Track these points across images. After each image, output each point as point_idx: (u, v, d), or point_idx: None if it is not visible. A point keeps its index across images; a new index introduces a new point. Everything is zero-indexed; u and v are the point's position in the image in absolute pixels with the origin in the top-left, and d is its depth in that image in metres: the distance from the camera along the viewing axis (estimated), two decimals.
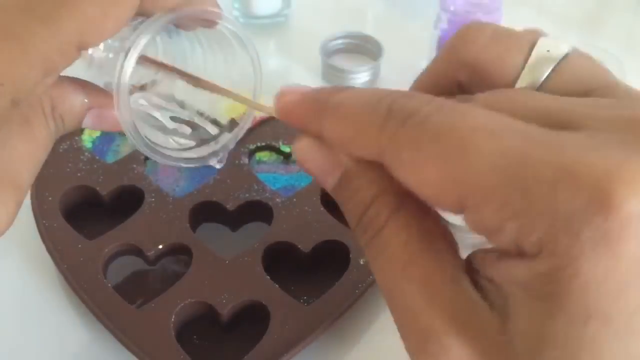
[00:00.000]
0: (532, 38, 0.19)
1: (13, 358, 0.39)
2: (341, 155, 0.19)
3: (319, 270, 0.42)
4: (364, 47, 0.62)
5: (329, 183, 0.19)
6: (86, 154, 0.48)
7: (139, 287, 0.42)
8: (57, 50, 0.19)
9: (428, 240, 0.18)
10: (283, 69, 0.63)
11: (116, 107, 0.23)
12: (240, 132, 0.27)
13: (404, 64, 0.59)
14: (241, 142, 0.41)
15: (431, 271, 0.17)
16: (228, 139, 0.27)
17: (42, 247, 0.41)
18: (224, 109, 0.27)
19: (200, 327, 0.39)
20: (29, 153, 0.23)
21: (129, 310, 0.38)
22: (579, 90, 0.18)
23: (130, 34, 0.22)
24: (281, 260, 0.42)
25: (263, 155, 0.50)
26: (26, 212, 0.43)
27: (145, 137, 0.24)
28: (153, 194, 0.45)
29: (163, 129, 0.26)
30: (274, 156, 0.50)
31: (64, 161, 0.46)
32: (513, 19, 0.63)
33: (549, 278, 0.14)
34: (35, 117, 0.23)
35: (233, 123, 0.27)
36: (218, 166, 0.26)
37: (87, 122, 0.25)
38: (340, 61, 0.61)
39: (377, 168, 0.18)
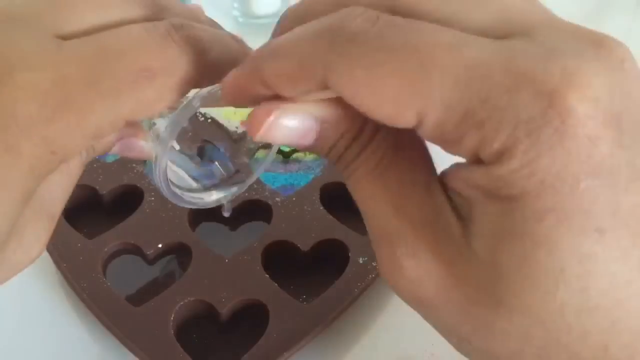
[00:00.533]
0: None
1: (12, 357, 0.39)
2: (307, 116, 0.19)
3: (318, 269, 0.42)
4: None
5: (307, 143, 0.19)
6: None
7: (139, 286, 0.42)
8: (109, 123, 0.20)
9: (402, 152, 0.18)
10: None
11: (155, 155, 0.23)
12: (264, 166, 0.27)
13: None
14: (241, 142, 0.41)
15: (404, 178, 0.18)
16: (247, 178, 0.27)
17: None
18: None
19: (199, 326, 0.39)
20: (62, 184, 0.24)
21: (128, 309, 0.38)
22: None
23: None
24: (280, 259, 0.42)
25: (262, 155, 0.50)
26: None
27: (171, 181, 0.25)
28: (153, 194, 0.45)
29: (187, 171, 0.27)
30: (271, 155, 0.50)
31: None
32: None
33: (508, 180, 0.15)
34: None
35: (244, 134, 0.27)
36: (226, 214, 0.27)
37: (115, 149, 0.26)
38: None
39: (342, 108, 0.18)
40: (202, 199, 0.26)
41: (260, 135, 0.18)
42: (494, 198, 0.16)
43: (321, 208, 0.44)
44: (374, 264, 0.41)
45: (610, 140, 0.15)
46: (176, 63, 0.20)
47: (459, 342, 0.18)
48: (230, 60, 0.22)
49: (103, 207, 0.46)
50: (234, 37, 0.23)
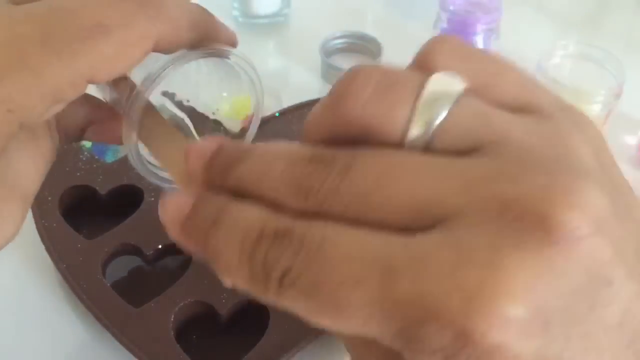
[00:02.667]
0: (420, 81, 0.17)
1: (12, 357, 0.39)
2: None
3: None
4: (364, 47, 0.62)
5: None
6: (85, 153, 0.48)
7: (138, 287, 0.42)
8: (69, 82, 0.20)
9: None
10: (283, 69, 0.63)
11: (124, 130, 0.23)
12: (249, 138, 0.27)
13: (403, 63, 0.58)
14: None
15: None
16: None
17: (41, 246, 0.41)
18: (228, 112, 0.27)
19: (199, 327, 0.39)
20: (34, 165, 0.24)
21: (128, 310, 0.38)
22: (466, 146, 0.16)
23: (142, 68, 0.23)
24: None
25: None
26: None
27: (146, 159, 0.24)
28: (152, 194, 0.45)
29: None
30: None
31: (63, 161, 0.46)
32: (513, 18, 0.63)
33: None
34: (39, 130, 0.24)
35: (243, 131, 0.27)
36: None
37: (88, 134, 0.26)
38: (340, 61, 0.61)
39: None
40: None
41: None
42: None
43: None
44: None
45: (533, 352, 0.14)
46: (131, 18, 0.20)
47: None
48: (189, 18, 0.22)
49: (103, 207, 0.46)
50: (197, 5, 0.23)
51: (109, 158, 0.48)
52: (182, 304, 0.38)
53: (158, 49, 0.22)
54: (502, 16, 0.59)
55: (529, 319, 0.14)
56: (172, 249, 0.43)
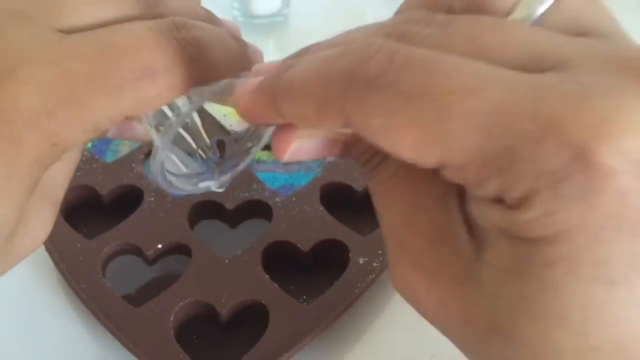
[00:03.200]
0: None
1: (12, 357, 0.39)
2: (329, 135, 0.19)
3: (318, 269, 0.42)
4: None
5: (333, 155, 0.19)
6: (85, 153, 0.48)
7: (138, 287, 0.42)
8: (109, 119, 0.20)
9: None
10: None
11: (155, 147, 0.23)
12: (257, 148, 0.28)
13: None
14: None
15: (420, 189, 0.18)
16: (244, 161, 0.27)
17: (42, 246, 0.41)
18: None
19: (199, 327, 0.39)
20: (62, 170, 0.24)
21: (128, 310, 0.38)
22: (575, 30, 0.17)
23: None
24: (280, 260, 0.42)
25: (262, 155, 0.50)
26: None
27: (167, 170, 0.25)
28: (152, 194, 0.45)
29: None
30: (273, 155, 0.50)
31: None
32: None
33: (525, 226, 0.15)
34: None
35: (247, 132, 0.28)
36: (220, 190, 0.27)
37: (111, 133, 0.26)
38: None
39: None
40: (195, 185, 0.27)
41: (288, 159, 0.19)
42: (510, 238, 0.16)
43: (321, 208, 0.44)
44: (374, 264, 0.41)
45: None
46: (178, 62, 0.21)
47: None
48: (229, 61, 0.22)
49: (103, 207, 0.46)
50: (233, 36, 0.23)
51: (109, 158, 0.48)
52: (182, 303, 0.38)
53: (196, 86, 0.22)
54: None
55: None
56: (172, 249, 0.43)
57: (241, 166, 0.28)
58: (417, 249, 0.17)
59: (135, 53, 0.20)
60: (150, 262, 0.42)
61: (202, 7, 0.25)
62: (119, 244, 0.42)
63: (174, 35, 0.21)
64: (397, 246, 0.18)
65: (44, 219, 0.24)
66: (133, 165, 0.47)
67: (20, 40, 0.20)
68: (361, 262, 0.41)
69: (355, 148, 0.19)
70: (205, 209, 0.45)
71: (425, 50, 0.16)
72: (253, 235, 0.43)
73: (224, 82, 0.22)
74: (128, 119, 0.21)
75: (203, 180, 0.27)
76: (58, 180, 0.24)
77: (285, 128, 0.18)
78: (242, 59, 0.23)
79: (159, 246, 0.42)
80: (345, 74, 0.16)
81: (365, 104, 0.16)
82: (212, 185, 0.27)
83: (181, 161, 0.27)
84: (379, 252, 0.41)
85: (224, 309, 0.38)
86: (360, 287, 0.39)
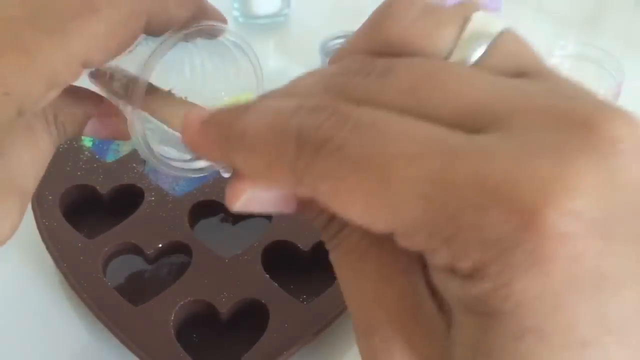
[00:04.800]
0: (465, 12, 0.17)
1: (12, 357, 0.39)
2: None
3: (318, 269, 0.42)
4: None
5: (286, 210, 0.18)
6: (86, 153, 0.48)
7: (139, 286, 0.42)
8: (63, 64, 0.20)
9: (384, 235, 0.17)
10: (283, 69, 0.63)
11: (129, 119, 0.23)
12: None
13: None
14: None
15: (384, 264, 0.17)
16: None
17: (42, 246, 0.41)
18: None
19: (199, 326, 0.39)
20: (32, 160, 0.23)
21: (128, 309, 0.38)
22: (513, 70, 0.17)
23: (136, 56, 0.22)
24: (281, 259, 0.42)
25: None
26: (26, 211, 0.43)
27: (153, 149, 0.24)
28: (153, 193, 0.45)
29: (170, 141, 0.27)
30: None
31: (64, 160, 0.47)
32: (512, 18, 0.63)
33: (482, 299, 0.14)
34: (38, 125, 0.23)
35: None
36: (226, 175, 0.27)
37: (87, 130, 0.25)
38: None
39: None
40: (186, 166, 0.26)
41: (238, 208, 0.18)
42: (471, 311, 0.15)
43: None
44: None
45: (596, 253, 0.14)
46: None
47: None
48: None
49: (103, 207, 0.46)
50: None
51: (110, 158, 0.48)
52: (182, 302, 0.38)
53: (149, 30, 0.21)
54: (502, 16, 0.59)
55: (598, 219, 0.13)
56: (172, 248, 0.43)
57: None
58: (385, 330, 0.17)
59: None
60: (151, 261, 0.42)
61: None
62: (120, 244, 0.42)
63: None
64: (364, 327, 0.17)
65: (9, 209, 0.22)
66: (134, 165, 0.47)
67: None
68: None
69: (309, 209, 0.18)
70: (205, 208, 0.45)
71: (373, 112, 0.15)
72: (253, 235, 0.43)
73: (184, 31, 0.22)
74: (86, 67, 0.20)
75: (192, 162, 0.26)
76: (26, 169, 0.23)
77: (239, 176, 0.18)
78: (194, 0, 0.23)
79: (160, 245, 0.42)
80: (298, 135, 0.16)
81: (315, 167, 0.15)
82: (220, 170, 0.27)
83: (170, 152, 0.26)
84: None
85: (224, 309, 0.38)
86: None
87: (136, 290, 0.41)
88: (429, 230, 0.14)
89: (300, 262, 0.42)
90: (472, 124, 0.15)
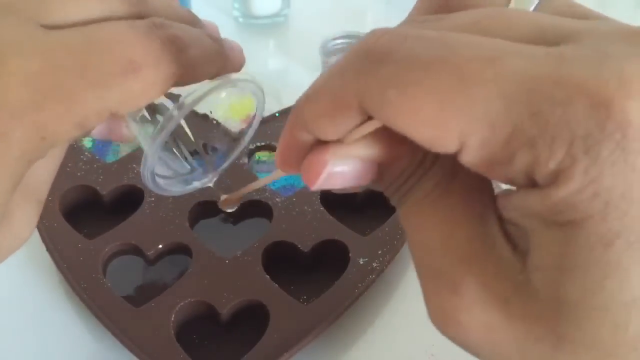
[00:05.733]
0: None
1: (12, 357, 0.39)
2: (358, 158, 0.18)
3: (319, 269, 0.42)
4: None
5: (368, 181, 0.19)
6: (86, 153, 0.48)
7: (139, 287, 0.42)
8: (96, 113, 0.20)
9: (458, 180, 0.17)
10: (283, 69, 0.63)
11: (145, 159, 0.24)
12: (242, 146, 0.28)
13: None
14: None
15: (455, 208, 0.17)
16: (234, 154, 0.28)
17: (42, 246, 0.41)
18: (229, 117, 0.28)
19: (200, 327, 0.39)
20: (46, 167, 0.24)
21: (128, 310, 0.38)
22: (571, 15, 0.17)
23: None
24: (281, 260, 0.42)
25: (262, 155, 0.50)
26: None
27: (157, 174, 0.25)
28: (152, 194, 0.45)
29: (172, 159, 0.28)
30: (273, 156, 0.50)
31: (64, 161, 0.46)
32: None
33: (568, 203, 0.14)
34: None
35: (242, 132, 0.28)
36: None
37: (95, 132, 0.26)
38: None
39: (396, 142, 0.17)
40: (184, 186, 0.27)
41: (318, 186, 0.18)
42: (553, 225, 0.14)
43: (321, 208, 0.44)
44: (374, 264, 0.41)
45: None
46: (159, 57, 0.21)
47: None
48: (207, 58, 0.23)
49: (103, 207, 0.46)
50: (210, 35, 0.24)
51: (110, 158, 0.49)
52: (182, 303, 0.38)
53: (176, 85, 0.22)
54: None
55: None
56: (172, 249, 0.43)
57: (228, 163, 0.28)
58: (455, 274, 0.16)
59: (120, 47, 0.20)
60: (151, 262, 0.42)
61: (183, 8, 0.25)
62: (120, 244, 0.42)
63: (155, 33, 0.21)
64: (432, 273, 0.17)
65: (27, 217, 0.24)
66: (134, 165, 0.47)
67: (7, 33, 0.20)
68: (361, 262, 0.41)
69: (389, 170, 0.18)
70: (205, 209, 0.45)
71: (435, 31, 0.16)
72: (253, 236, 0.43)
73: (208, 86, 0.23)
74: (113, 116, 0.21)
75: (192, 180, 0.27)
76: (42, 177, 0.24)
77: (315, 149, 0.18)
78: (219, 56, 0.23)
79: (160, 246, 0.42)
80: (356, 56, 0.16)
81: (379, 77, 0.15)
82: (204, 181, 0.28)
83: (167, 162, 0.27)
84: (379, 252, 0.41)
85: (224, 309, 0.38)
86: (360, 287, 0.40)
87: (136, 290, 0.41)
88: (510, 131, 0.14)
89: (300, 262, 0.42)
90: (543, 41, 0.15)
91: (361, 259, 0.41)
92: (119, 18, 0.21)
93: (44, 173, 0.24)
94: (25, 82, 0.19)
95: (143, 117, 0.25)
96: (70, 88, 0.19)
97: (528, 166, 0.14)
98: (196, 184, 0.28)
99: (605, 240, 0.14)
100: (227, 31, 0.69)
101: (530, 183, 0.15)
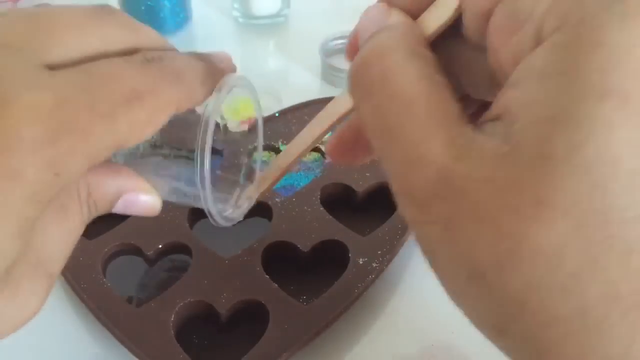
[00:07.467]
0: None
1: (12, 357, 0.39)
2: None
3: (318, 269, 0.42)
4: None
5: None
6: None
7: (139, 287, 0.42)
8: (107, 147, 0.20)
9: (435, 82, 0.18)
10: (282, 69, 0.63)
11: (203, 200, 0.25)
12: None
13: None
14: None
15: (435, 105, 0.17)
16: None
17: None
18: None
19: (199, 327, 0.39)
20: (62, 240, 0.23)
21: (128, 310, 0.38)
22: None
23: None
24: (280, 260, 0.42)
25: (262, 155, 0.50)
26: None
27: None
28: None
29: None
30: (273, 156, 0.50)
31: None
32: None
33: (571, 48, 0.14)
34: (71, 204, 0.23)
35: (243, 134, 0.28)
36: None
37: (118, 206, 0.25)
38: (340, 61, 0.61)
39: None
40: (235, 205, 0.28)
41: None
42: (552, 73, 0.14)
43: (321, 208, 0.44)
44: (374, 264, 0.41)
45: None
46: (158, 85, 0.21)
47: (478, 280, 0.16)
48: (202, 79, 0.23)
49: None
50: (196, 56, 0.24)
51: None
52: (182, 303, 0.38)
53: (178, 110, 0.22)
54: None
55: None
56: (172, 249, 0.43)
57: (259, 165, 0.29)
58: (440, 156, 0.17)
59: (122, 79, 0.21)
60: (151, 262, 0.42)
61: (161, 37, 0.25)
62: (119, 244, 0.42)
63: (150, 63, 0.22)
64: (416, 160, 0.17)
65: (35, 290, 0.22)
66: None
67: (15, 70, 0.19)
68: (361, 262, 0.41)
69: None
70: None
71: None
72: (253, 236, 0.43)
73: (214, 98, 0.24)
74: (118, 147, 0.21)
75: (239, 197, 0.28)
76: (55, 250, 0.23)
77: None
78: (212, 74, 0.24)
79: (159, 246, 0.42)
80: None
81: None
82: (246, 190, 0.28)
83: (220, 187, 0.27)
84: (379, 252, 0.41)
85: (224, 309, 0.38)
86: (360, 287, 0.40)
87: (136, 290, 0.41)
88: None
89: (300, 262, 0.42)
90: None
91: (361, 259, 0.41)
92: (114, 54, 0.22)
93: (56, 246, 0.23)
94: (39, 117, 0.19)
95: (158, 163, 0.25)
96: (82, 121, 0.19)
97: (543, 16, 0.15)
98: (244, 200, 0.28)
99: (599, 93, 0.14)
100: (227, 31, 0.69)
101: (539, 42, 0.15)
